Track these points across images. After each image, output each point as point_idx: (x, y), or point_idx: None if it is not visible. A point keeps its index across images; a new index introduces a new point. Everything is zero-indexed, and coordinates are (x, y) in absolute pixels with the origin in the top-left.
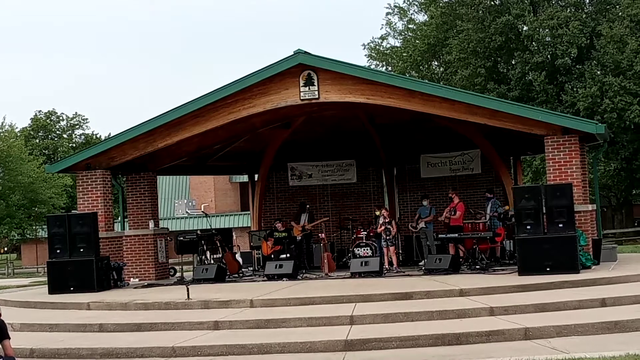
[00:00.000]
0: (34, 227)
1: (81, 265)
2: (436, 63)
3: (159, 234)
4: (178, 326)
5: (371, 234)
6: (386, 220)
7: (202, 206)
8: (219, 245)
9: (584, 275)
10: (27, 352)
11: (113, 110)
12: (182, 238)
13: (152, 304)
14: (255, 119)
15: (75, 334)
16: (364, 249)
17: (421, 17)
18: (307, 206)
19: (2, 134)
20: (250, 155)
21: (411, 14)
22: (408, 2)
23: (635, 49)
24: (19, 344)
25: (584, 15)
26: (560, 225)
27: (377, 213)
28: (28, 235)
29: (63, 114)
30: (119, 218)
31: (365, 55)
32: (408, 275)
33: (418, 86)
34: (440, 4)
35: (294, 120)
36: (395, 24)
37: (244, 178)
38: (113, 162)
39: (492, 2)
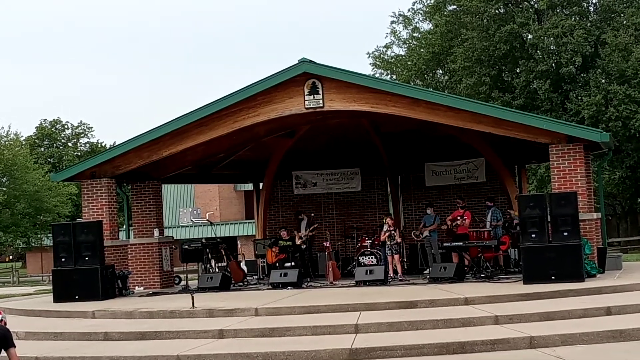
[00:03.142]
0: (39, 236)
1: (86, 274)
2: (441, 71)
3: (164, 242)
4: (183, 335)
5: (376, 242)
6: (390, 229)
7: (207, 214)
8: (223, 253)
9: (589, 284)
10: None
11: (118, 119)
12: (187, 246)
13: (157, 312)
14: (260, 127)
15: (80, 343)
16: (369, 258)
17: (426, 26)
18: (300, 216)
19: (7, 143)
20: (255, 163)
21: (416, 23)
22: (413, 11)
23: None
24: (24, 352)
25: (588, 24)
26: (565, 233)
27: (385, 221)
28: (33, 244)
29: (68, 122)
30: (124, 226)
31: (370, 64)
32: (413, 283)
33: (423, 95)
34: (445, 13)
35: (298, 129)
36: (399, 33)
37: (249, 186)
38: (118, 170)
39: (497, 11)
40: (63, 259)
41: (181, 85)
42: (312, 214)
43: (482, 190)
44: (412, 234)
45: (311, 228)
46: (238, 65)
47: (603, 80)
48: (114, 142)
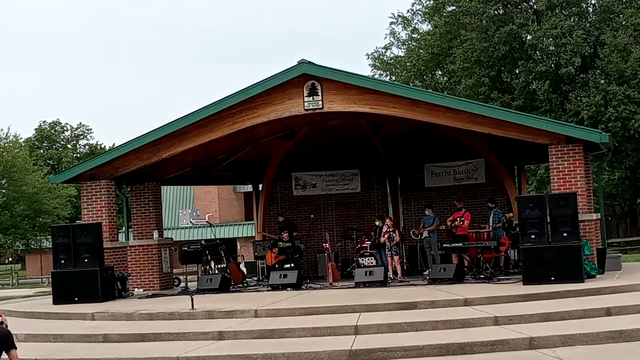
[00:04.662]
0: (38, 238)
1: (85, 276)
2: (440, 72)
3: (163, 244)
4: (182, 336)
5: (374, 243)
6: (390, 230)
7: (207, 216)
8: (223, 255)
9: (588, 285)
10: None
11: (117, 121)
12: (186, 248)
13: (157, 314)
14: (259, 129)
15: (79, 344)
16: (368, 259)
17: (425, 27)
18: (279, 218)
19: (6, 145)
20: (254, 165)
21: (415, 24)
22: (412, 12)
23: (639, 58)
24: (24, 354)
25: (587, 25)
26: (565, 234)
27: (377, 223)
28: (32, 246)
29: (67, 124)
30: (123, 228)
31: (369, 65)
32: (412, 284)
33: (422, 96)
34: (444, 14)
35: (297, 130)
36: (399, 34)
37: (248, 188)
38: (117, 172)
39: (496, 12)
40: (62, 261)
41: (181, 88)
42: (312, 216)
43: (482, 191)
44: (412, 232)
45: (285, 236)
46: (237, 67)
47: (602, 81)
48: (114, 144)
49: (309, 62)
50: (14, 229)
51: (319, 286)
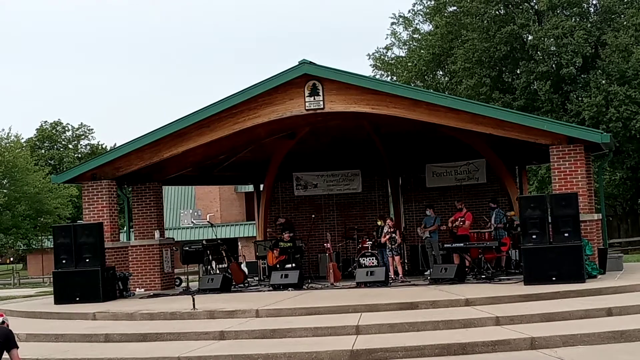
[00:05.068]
0: (39, 238)
1: (87, 276)
2: (441, 73)
3: (165, 244)
4: (184, 336)
5: (375, 243)
6: (391, 230)
7: (208, 216)
8: (224, 255)
9: (590, 285)
10: None
11: (118, 121)
12: (187, 248)
13: (158, 314)
14: (260, 129)
15: (81, 344)
16: (370, 259)
17: (426, 27)
18: (277, 221)
19: (7, 145)
20: (256, 165)
21: (416, 24)
22: (413, 12)
23: None
24: (25, 354)
25: (588, 25)
26: (566, 234)
27: (379, 223)
28: (34, 246)
29: (68, 124)
30: (125, 228)
31: (370, 65)
32: (414, 285)
33: (423, 96)
34: (445, 14)
35: (299, 130)
36: (400, 34)
37: (250, 188)
38: (119, 172)
39: (497, 12)
40: (64, 261)
41: (182, 88)
42: (314, 216)
43: (483, 192)
44: (418, 229)
45: (286, 236)
46: (238, 68)
47: (603, 81)
48: (115, 144)
49: (310, 62)
50: (15, 229)
51: (320, 286)
